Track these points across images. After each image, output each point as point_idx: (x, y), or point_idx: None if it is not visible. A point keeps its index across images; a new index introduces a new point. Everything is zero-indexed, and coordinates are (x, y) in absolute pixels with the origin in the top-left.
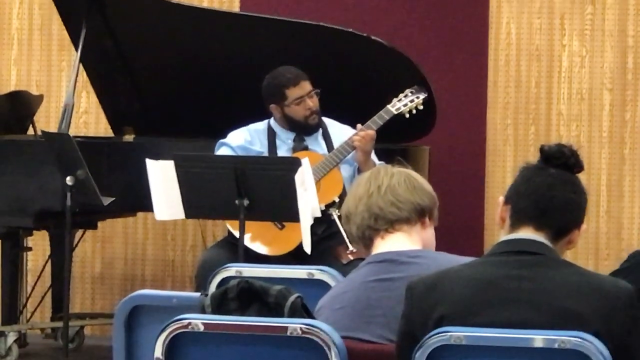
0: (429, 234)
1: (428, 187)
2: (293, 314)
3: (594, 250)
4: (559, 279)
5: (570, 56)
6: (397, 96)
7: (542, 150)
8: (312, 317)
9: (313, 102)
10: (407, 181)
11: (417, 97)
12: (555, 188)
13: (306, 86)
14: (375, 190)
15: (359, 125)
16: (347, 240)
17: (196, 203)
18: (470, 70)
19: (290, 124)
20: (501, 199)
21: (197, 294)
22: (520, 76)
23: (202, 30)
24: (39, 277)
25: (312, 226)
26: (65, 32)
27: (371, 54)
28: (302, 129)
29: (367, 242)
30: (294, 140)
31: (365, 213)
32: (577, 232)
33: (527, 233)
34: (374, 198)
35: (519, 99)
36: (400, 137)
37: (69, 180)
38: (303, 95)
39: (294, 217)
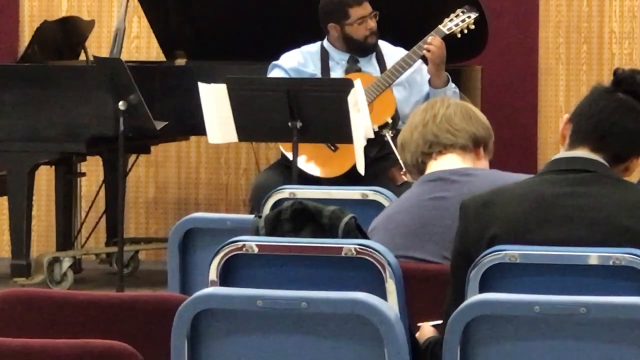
0: (482, 165)
1: (484, 119)
2: (347, 234)
3: None
4: (613, 196)
5: None
6: (448, 16)
7: (615, 73)
8: (367, 238)
9: (373, 23)
10: (464, 111)
11: (469, 17)
12: (617, 114)
13: (368, 7)
14: (431, 119)
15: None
16: (401, 162)
17: (249, 126)
18: None
19: (348, 44)
20: (566, 116)
21: (251, 216)
22: None
23: None
24: (92, 202)
25: (365, 148)
26: None
27: None
28: (360, 49)
29: (421, 167)
30: (347, 62)
31: (420, 140)
32: (635, 161)
33: (583, 152)
34: (430, 126)
35: (571, 17)
36: (452, 57)
37: (121, 105)
38: (365, 16)
39: (347, 139)
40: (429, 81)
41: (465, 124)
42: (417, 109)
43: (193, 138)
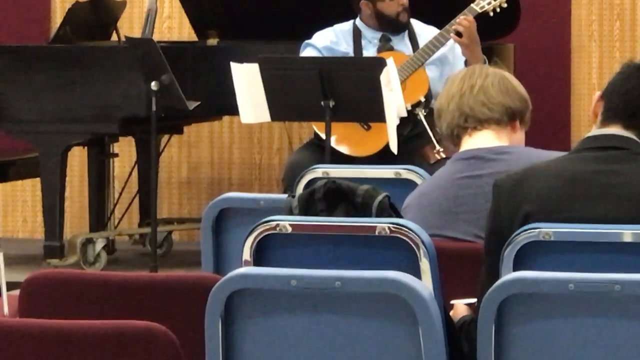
0: (519, 137)
1: (522, 90)
2: (381, 213)
3: None
4: None
5: None
6: None
7: None
8: (400, 216)
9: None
10: (501, 82)
11: None
12: None
13: None
14: (468, 90)
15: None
16: (434, 140)
17: (281, 105)
18: None
19: (380, 20)
20: (598, 94)
21: (284, 196)
22: None
23: None
24: (125, 183)
25: (398, 126)
26: None
27: None
28: (392, 26)
29: (455, 139)
30: (379, 40)
31: (455, 112)
32: None
33: (615, 129)
34: (466, 97)
35: None
36: (485, 35)
37: (153, 85)
38: None
39: (380, 117)
40: (465, 62)
41: (502, 97)
42: (455, 76)
43: (226, 118)
